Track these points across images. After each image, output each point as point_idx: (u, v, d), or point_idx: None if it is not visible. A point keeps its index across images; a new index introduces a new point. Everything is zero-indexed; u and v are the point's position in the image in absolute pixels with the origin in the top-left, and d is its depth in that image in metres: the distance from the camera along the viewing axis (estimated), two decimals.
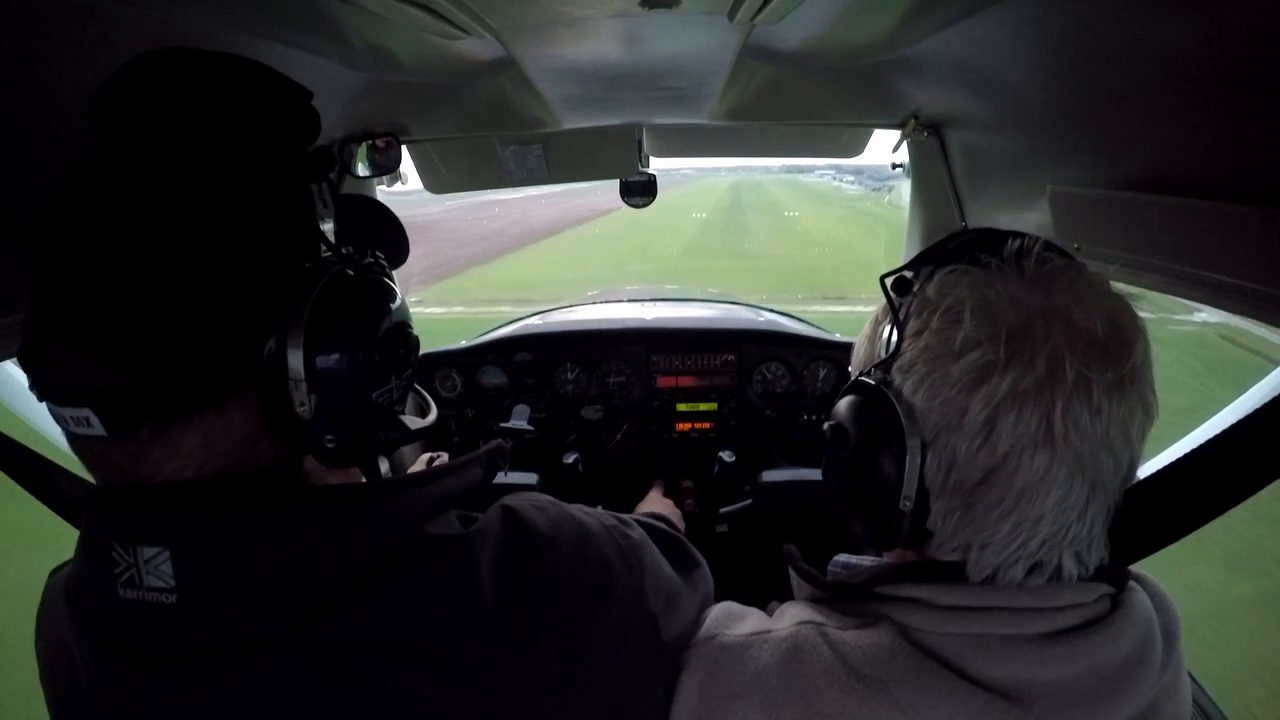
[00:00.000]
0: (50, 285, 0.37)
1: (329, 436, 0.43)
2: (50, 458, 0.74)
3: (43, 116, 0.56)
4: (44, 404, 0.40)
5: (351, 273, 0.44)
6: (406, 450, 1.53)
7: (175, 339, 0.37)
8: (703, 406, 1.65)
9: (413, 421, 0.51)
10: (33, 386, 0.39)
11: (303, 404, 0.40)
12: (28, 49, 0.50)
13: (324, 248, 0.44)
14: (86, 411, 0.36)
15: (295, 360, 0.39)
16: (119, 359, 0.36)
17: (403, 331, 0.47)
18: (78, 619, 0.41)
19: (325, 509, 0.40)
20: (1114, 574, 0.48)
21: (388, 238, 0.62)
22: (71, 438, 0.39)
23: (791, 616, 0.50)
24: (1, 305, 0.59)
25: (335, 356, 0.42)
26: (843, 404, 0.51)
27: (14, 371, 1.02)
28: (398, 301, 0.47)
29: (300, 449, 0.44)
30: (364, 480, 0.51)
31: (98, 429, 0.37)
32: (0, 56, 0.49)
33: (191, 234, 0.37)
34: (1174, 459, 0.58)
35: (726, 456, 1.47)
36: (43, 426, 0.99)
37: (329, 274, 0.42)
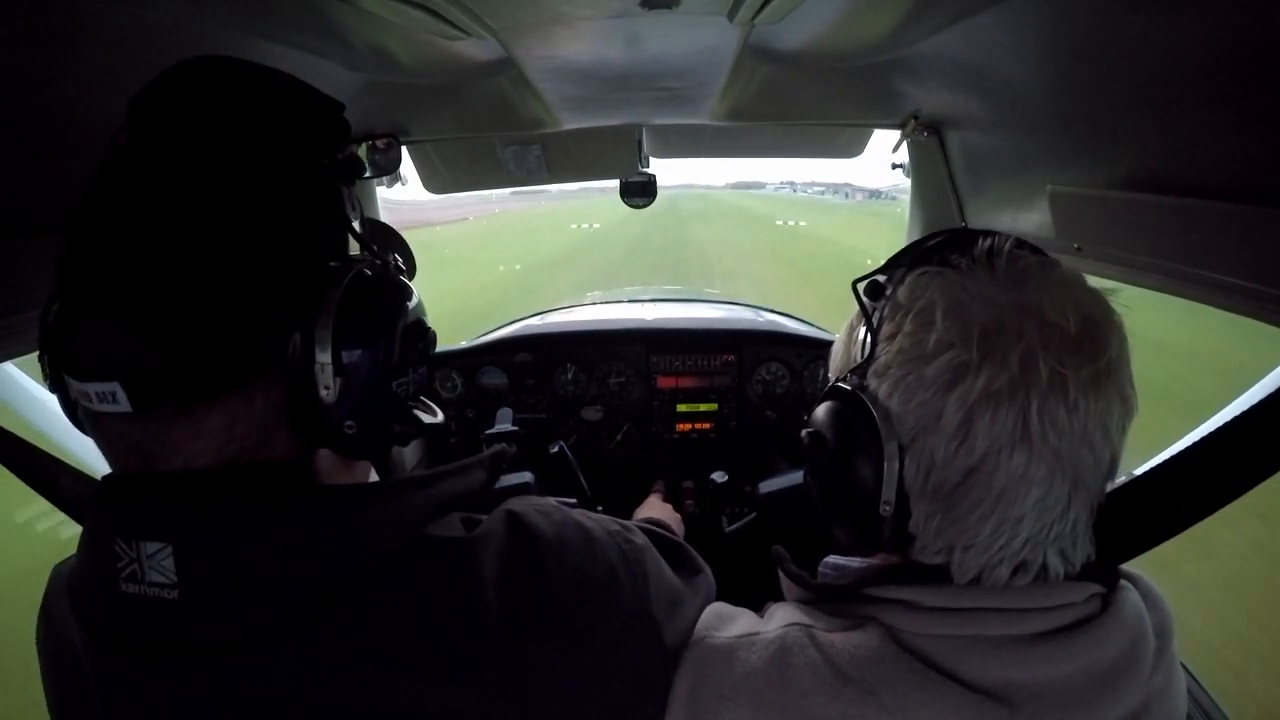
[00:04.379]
0: (88, 261, 0.38)
1: (349, 423, 0.44)
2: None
3: (43, 117, 0.56)
4: (55, 392, 0.41)
5: (371, 272, 0.45)
6: (408, 459, 1.53)
7: (208, 318, 0.38)
8: (703, 407, 1.65)
9: (425, 416, 0.52)
10: (55, 366, 0.40)
11: (327, 387, 0.41)
12: (28, 49, 0.50)
13: (353, 241, 0.46)
14: (114, 386, 0.37)
15: (323, 344, 0.41)
16: (151, 334, 0.37)
17: (422, 326, 0.49)
18: (81, 614, 0.41)
19: (330, 508, 0.41)
20: (1104, 573, 0.48)
21: (397, 251, 0.64)
22: (92, 416, 0.39)
23: (780, 618, 0.50)
24: (2, 309, 0.59)
25: (361, 344, 0.43)
26: (820, 410, 0.51)
27: (14, 371, 1.02)
28: (415, 300, 0.49)
29: (318, 438, 0.44)
30: (370, 480, 0.52)
31: (123, 405, 0.37)
32: (0, 57, 0.49)
33: (228, 218, 0.38)
34: (1165, 458, 0.58)
35: (719, 477, 1.41)
36: (43, 426, 1.00)
37: (358, 266, 0.44)
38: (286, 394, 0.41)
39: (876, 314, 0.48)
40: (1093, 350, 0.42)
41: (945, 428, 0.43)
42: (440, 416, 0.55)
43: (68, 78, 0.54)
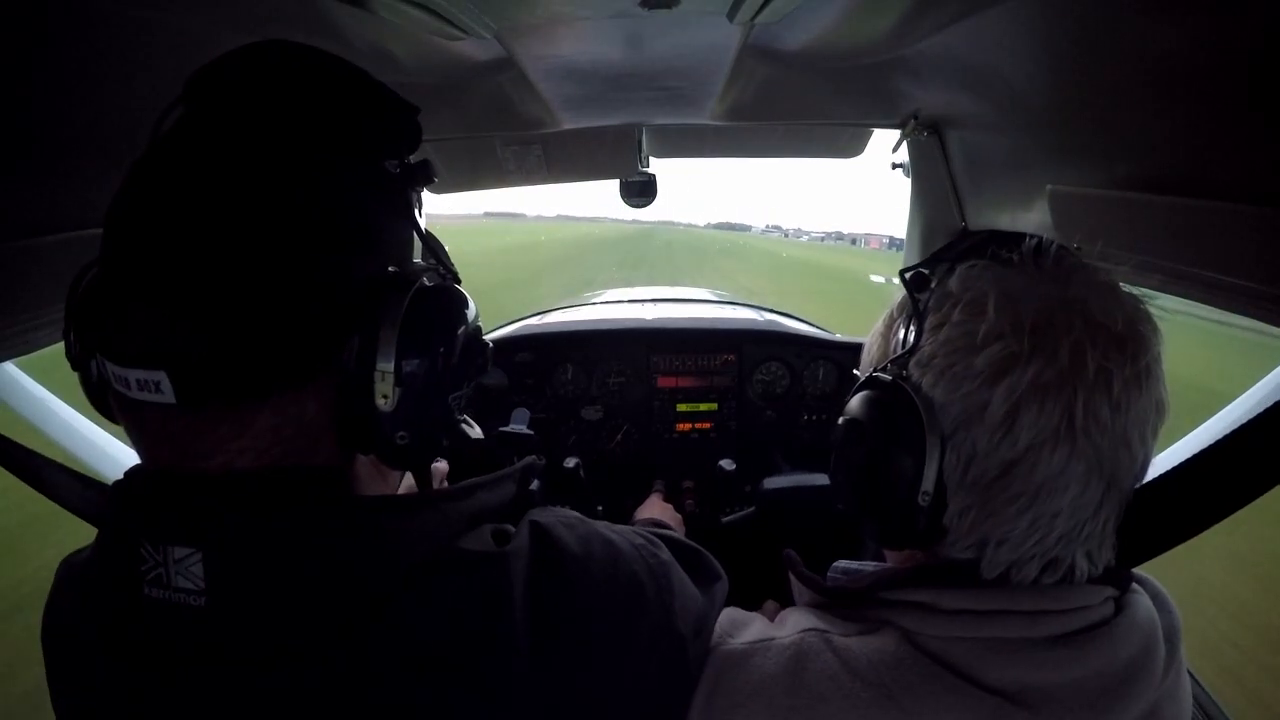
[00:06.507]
0: (139, 242, 0.35)
1: (401, 433, 0.42)
2: (51, 457, 0.74)
3: (41, 116, 0.56)
4: (77, 371, 0.39)
5: (432, 282, 0.44)
6: None
7: (268, 311, 0.36)
8: (703, 407, 1.65)
9: (470, 430, 0.51)
10: (86, 346, 0.38)
11: (385, 396, 0.40)
12: (25, 49, 0.50)
13: (419, 245, 0.46)
14: (160, 375, 0.34)
15: (387, 352, 0.39)
16: (206, 322, 0.35)
17: (480, 340, 0.48)
18: (95, 614, 0.40)
19: (369, 520, 0.40)
20: (1118, 576, 0.48)
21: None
22: (127, 404, 0.37)
23: (794, 624, 0.50)
24: (2, 309, 0.60)
25: (425, 354, 0.42)
26: (857, 400, 0.50)
27: (14, 372, 1.02)
28: (474, 311, 0.48)
29: (364, 447, 0.43)
30: (400, 488, 0.51)
31: (167, 396, 0.35)
32: None
33: (300, 206, 0.37)
34: (1178, 461, 0.58)
35: (727, 465, 1.44)
36: (43, 426, 1.00)
37: (424, 275, 0.43)
38: (340, 399, 0.40)
39: (920, 305, 0.48)
40: (1135, 350, 0.42)
41: (990, 419, 0.43)
42: (479, 431, 0.54)
43: (66, 78, 0.54)
